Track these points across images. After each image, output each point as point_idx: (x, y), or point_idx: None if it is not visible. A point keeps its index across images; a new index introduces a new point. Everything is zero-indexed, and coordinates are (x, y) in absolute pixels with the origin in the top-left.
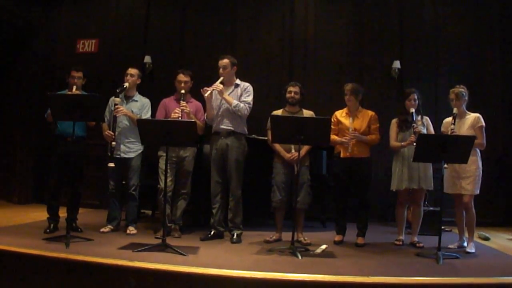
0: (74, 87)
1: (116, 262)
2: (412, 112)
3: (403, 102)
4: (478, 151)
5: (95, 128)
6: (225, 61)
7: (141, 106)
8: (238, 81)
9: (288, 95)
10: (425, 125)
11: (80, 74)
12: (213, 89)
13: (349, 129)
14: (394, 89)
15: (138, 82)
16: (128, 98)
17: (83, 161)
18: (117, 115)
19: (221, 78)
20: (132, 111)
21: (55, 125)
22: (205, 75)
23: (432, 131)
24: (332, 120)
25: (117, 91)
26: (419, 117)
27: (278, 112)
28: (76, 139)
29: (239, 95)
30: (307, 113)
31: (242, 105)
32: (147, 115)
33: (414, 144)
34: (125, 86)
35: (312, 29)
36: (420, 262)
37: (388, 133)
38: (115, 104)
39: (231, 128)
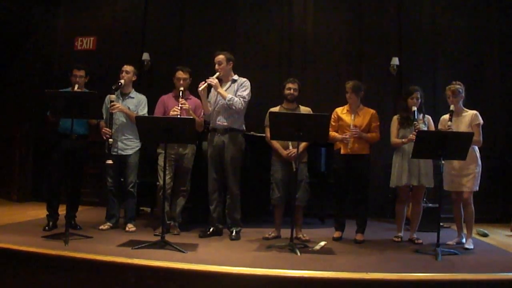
0: (76, 86)
1: (115, 260)
2: (415, 111)
3: (405, 99)
4: (477, 148)
5: (96, 126)
6: (220, 56)
7: (137, 103)
8: (235, 77)
9: (287, 91)
10: (426, 123)
11: (82, 72)
12: (208, 83)
13: (350, 126)
14: (392, 86)
15: (134, 79)
16: (124, 95)
17: (84, 159)
18: (112, 112)
19: (217, 73)
20: (128, 108)
21: (58, 123)
22: (204, 72)
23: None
24: (333, 116)
25: (113, 88)
26: (420, 116)
27: (276, 109)
28: (79, 137)
29: (236, 90)
30: (304, 109)
31: (236, 99)
32: (143, 111)
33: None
34: (120, 83)
35: (311, 27)
36: (419, 258)
37: (387, 130)
38: (111, 101)
39: (228, 124)
